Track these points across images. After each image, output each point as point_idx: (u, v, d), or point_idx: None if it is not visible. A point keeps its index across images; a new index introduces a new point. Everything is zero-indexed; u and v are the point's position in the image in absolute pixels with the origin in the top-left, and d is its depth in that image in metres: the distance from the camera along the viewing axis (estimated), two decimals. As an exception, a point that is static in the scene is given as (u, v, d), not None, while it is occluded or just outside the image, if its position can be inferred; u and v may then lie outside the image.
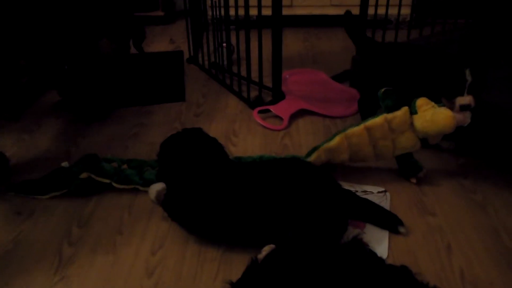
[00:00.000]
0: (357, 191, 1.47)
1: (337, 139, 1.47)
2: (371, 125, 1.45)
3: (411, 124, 1.45)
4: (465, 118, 1.45)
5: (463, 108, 1.43)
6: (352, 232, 1.31)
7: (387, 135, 1.46)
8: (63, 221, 1.41)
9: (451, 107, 1.43)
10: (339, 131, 1.50)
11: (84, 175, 1.47)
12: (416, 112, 1.44)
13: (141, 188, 1.49)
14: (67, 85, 1.99)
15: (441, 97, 1.47)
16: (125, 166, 1.55)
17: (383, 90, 1.48)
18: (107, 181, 1.48)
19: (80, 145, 1.80)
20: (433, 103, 1.44)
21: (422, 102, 1.45)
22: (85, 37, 1.80)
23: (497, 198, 1.45)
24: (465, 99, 1.43)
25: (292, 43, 2.82)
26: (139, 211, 1.44)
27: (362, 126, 1.46)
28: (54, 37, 1.67)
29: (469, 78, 1.41)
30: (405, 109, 1.45)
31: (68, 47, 1.76)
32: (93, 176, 1.47)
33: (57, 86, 2.03)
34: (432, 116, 1.42)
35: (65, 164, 1.55)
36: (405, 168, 1.53)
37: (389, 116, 1.44)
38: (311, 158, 1.49)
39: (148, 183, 1.45)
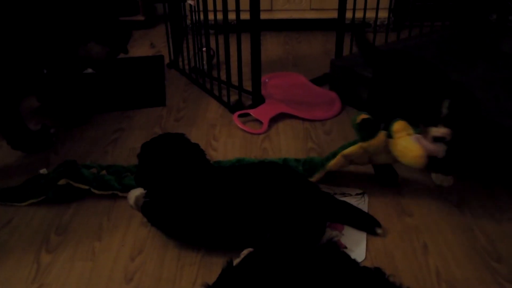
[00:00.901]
0: (335, 193, 1.49)
1: (317, 176, 1.49)
2: (348, 153, 1.43)
3: (386, 147, 1.40)
4: (438, 150, 1.34)
5: (436, 139, 1.32)
6: (330, 234, 1.33)
7: (363, 156, 1.44)
8: (41, 229, 1.40)
9: (426, 135, 1.34)
10: (319, 166, 1.49)
11: (62, 182, 1.46)
12: (392, 137, 1.39)
13: (120, 193, 1.48)
14: (46, 90, 1.98)
15: (419, 122, 1.39)
16: (104, 172, 1.55)
17: (358, 121, 1.40)
18: (86, 187, 1.48)
19: (60, 152, 1.78)
20: (409, 130, 1.37)
21: (398, 128, 1.38)
22: (65, 42, 1.79)
23: (472, 198, 1.48)
24: (439, 131, 1.31)
25: (273, 47, 2.83)
26: (118, 217, 1.43)
27: (339, 156, 1.44)
28: (33, 41, 1.66)
29: (445, 110, 1.30)
30: (381, 137, 1.39)
31: (47, 52, 1.74)
32: (71, 182, 1.47)
33: (36, 91, 2.01)
34: (403, 148, 1.35)
35: (43, 171, 1.54)
36: (382, 177, 1.54)
37: (365, 144, 1.40)
38: None
39: (127, 188, 1.45)
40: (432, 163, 1.36)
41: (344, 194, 1.49)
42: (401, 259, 1.26)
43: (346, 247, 1.28)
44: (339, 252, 0.94)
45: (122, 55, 2.07)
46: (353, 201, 1.45)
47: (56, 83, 1.90)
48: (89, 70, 2.25)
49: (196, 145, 1.36)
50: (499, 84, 1.82)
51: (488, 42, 2.46)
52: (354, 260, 0.93)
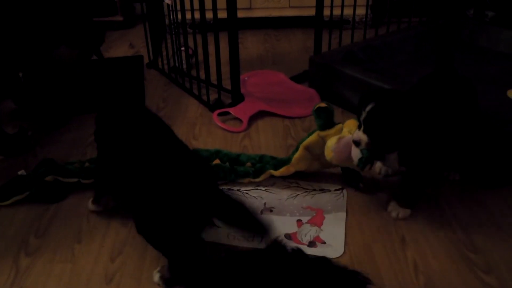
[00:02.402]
0: (314, 189, 1.50)
1: (283, 170, 1.52)
2: (308, 144, 1.47)
3: None
4: (354, 154, 1.32)
5: (354, 143, 1.29)
6: (309, 229, 1.34)
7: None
8: (20, 232, 1.39)
9: None
10: (285, 160, 1.54)
11: (49, 178, 1.48)
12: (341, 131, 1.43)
13: None
14: (23, 94, 1.96)
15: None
16: (87, 164, 1.55)
17: (316, 107, 1.44)
18: (75, 179, 1.49)
19: (38, 154, 1.77)
20: (352, 128, 1.38)
21: (347, 123, 1.42)
22: (40, 45, 1.77)
23: (449, 190, 1.51)
24: (357, 134, 1.28)
25: (252, 45, 2.84)
26: (98, 218, 1.43)
27: (301, 147, 1.49)
28: (8, 45, 1.64)
29: (363, 113, 1.25)
30: (338, 127, 1.43)
31: (23, 55, 1.73)
32: (59, 178, 1.48)
33: (12, 95, 1.99)
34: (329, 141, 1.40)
35: (22, 172, 1.53)
36: (347, 177, 1.54)
37: (322, 133, 1.44)
38: (260, 178, 1.54)
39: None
40: None
41: (323, 190, 1.50)
42: (379, 253, 1.27)
43: (324, 242, 1.30)
44: (285, 249, 0.92)
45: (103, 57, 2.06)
46: (332, 196, 1.47)
47: (32, 85, 1.88)
48: None
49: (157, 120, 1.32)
50: (476, 79, 1.84)
51: (465, 37, 2.50)
52: (302, 251, 0.91)
